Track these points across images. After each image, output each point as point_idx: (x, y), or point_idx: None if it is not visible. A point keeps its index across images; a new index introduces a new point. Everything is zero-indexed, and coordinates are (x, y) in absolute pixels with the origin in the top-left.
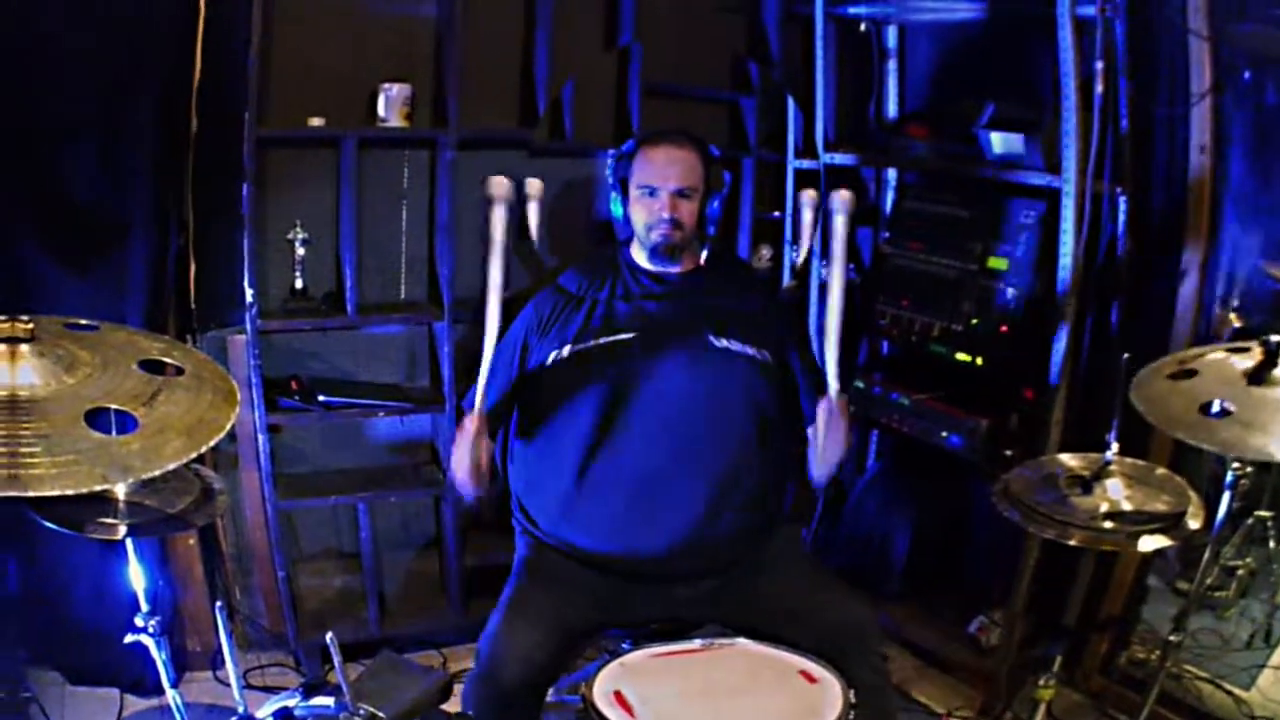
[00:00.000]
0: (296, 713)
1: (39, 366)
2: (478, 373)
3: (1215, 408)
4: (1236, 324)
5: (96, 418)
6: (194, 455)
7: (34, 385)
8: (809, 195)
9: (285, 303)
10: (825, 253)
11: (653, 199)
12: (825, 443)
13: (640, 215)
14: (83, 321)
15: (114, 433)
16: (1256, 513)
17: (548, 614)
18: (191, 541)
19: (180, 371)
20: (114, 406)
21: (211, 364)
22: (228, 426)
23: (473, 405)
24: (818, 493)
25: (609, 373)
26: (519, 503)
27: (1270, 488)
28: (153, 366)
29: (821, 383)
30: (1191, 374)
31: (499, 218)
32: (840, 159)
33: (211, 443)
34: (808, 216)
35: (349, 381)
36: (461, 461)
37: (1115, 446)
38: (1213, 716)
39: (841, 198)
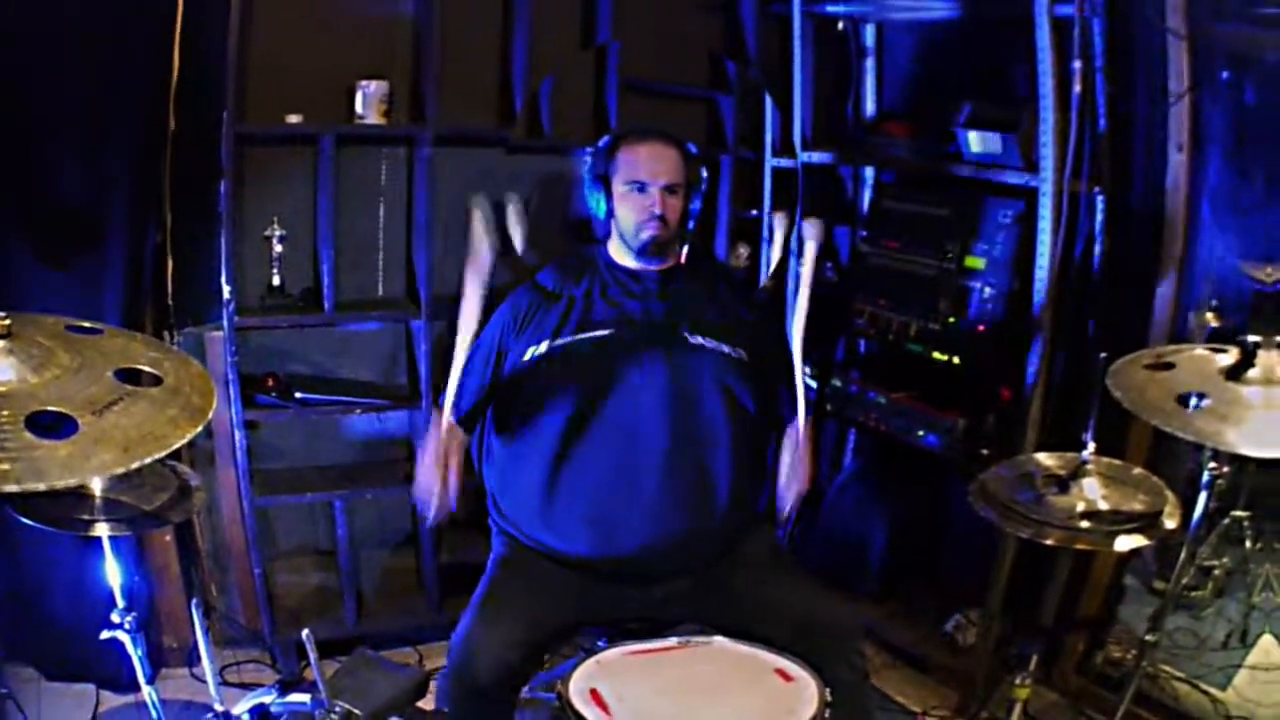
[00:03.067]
0: (273, 709)
1: (10, 364)
2: (456, 380)
3: (1193, 399)
4: (1214, 323)
5: (46, 420)
6: (120, 470)
7: (15, 383)
8: (780, 216)
9: (263, 300)
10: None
11: (643, 195)
12: (789, 472)
13: (628, 212)
14: (85, 324)
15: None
16: (1233, 512)
17: (521, 612)
18: (168, 538)
19: (158, 382)
20: (54, 409)
21: (201, 378)
22: (173, 446)
23: (453, 409)
24: (786, 518)
25: (586, 370)
26: (494, 501)
27: (1247, 488)
28: (131, 375)
29: (796, 397)
30: (1169, 366)
31: (480, 227)
32: (818, 157)
33: (146, 460)
34: (779, 232)
35: (326, 379)
36: (428, 472)
37: (1092, 446)
38: (1189, 716)
39: (813, 226)
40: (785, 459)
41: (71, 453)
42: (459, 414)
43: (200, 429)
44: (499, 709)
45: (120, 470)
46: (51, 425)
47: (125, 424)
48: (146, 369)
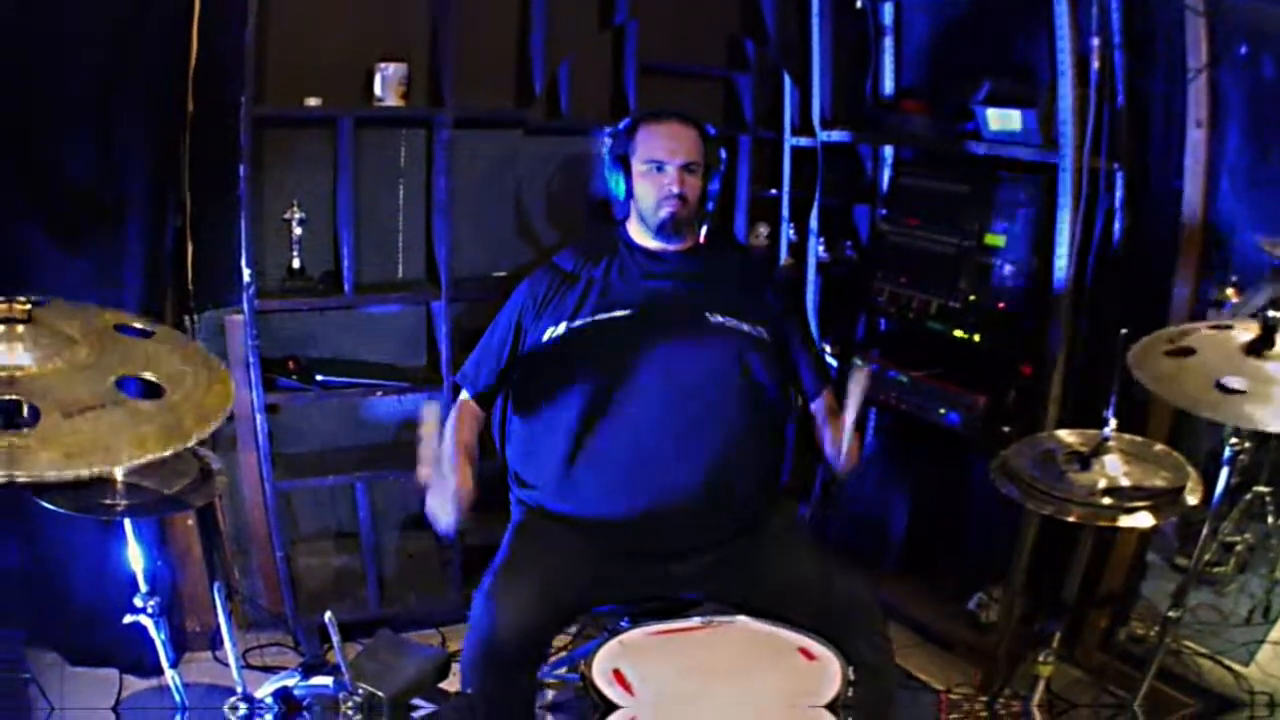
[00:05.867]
0: (295, 692)
1: (21, 350)
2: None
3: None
4: (1234, 299)
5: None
6: (53, 477)
7: (11, 368)
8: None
9: (283, 283)
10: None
11: (660, 174)
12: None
13: (647, 191)
14: (138, 325)
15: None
16: (1255, 488)
17: (539, 576)
18: (190, 522)
19: (157, 394)
20: (20, 399)
21: (217, 398)
22: (122, 464)
23: (469, 384)
24: (824, 471)
25: (606, 349)
26: (516, 475)
27: (1269, 463)
28: (145, 385)
29: (824, 367)
30: (1190, 351)
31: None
32: (837, 136)
33: (85, 473)
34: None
35: (346, 361)
36: (442, 507)
37: (1113, 422)
38: (1212, 692)
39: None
40: (827, 434)
41: (11, 447)
42: (475, 391)
43: (167, 453)
44: (521, 674)
45: (52, 476)
46: (23, 417)
47: (84, 430)
48: (157, 380)
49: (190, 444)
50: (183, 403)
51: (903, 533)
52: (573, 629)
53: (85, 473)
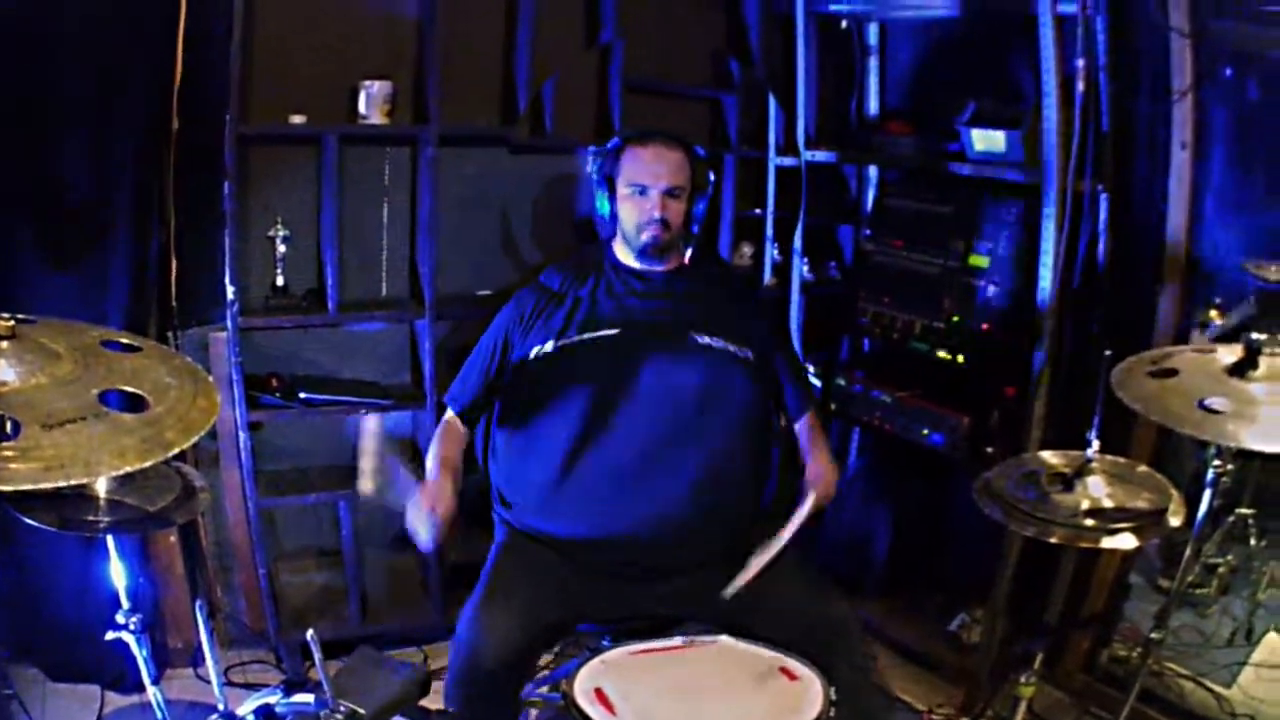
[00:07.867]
0: (277, 710)
1: (12, 367)
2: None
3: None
4: (1218, 321)
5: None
6: (24, 488)
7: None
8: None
9: (266, 300)
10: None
11: (643, 198)
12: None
13: (630, 214)
14: (125, 340)
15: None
16: (1238, 510)
17: (523, 596)
18: (172, 539)
19: (141, 407)
20: (4, 415)
21: (201, 413)
22: (100, 475)
23: (455, 402)
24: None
25: (592, 368)
26: (499, 494)
27: (1251, 485)
28: (126, 398)
29: (809, 387)
30: (1173, 373)
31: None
32: (821, 156)
33: (63, 484)
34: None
35: (330, 379)
36: (421, 522)
37: (1096, 444)
38: (1194, 714)
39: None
40: (809, 465)
41: None
42: (459, 408)
43: (146, 465)
44: (504, 694)
45: (23, 487)
46: (4, 432)
47: (63, 443)
48: (140, 393)
49: (170, 455)
50: (166, 415)
51: (885, 553)
52: (556, 648)
53: (62, 484)
